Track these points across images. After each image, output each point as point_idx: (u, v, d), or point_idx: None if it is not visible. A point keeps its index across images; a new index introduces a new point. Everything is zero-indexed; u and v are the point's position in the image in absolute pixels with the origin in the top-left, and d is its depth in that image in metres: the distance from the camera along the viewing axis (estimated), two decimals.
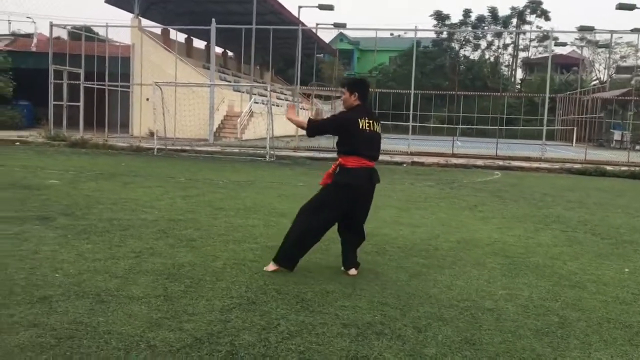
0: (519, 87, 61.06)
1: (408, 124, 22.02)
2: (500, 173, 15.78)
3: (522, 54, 61.14)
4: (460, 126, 33.52)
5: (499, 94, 43.38)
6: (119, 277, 4.54)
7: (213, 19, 22.86)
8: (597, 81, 57.88)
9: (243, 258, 5.33)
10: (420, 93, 32.35)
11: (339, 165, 5.04)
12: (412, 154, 19.85)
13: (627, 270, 5.51)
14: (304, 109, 38.14)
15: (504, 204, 9.79)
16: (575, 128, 36.63)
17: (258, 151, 18.78)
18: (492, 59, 62.06)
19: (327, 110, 46.68)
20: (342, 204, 5.00)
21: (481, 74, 59.03)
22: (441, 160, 18.17)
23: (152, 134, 24.97)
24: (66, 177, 10.99)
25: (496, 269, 5.33)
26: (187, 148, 19.21)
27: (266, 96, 34.68)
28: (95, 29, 31.19)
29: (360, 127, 4.96)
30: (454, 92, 39.18)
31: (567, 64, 65.65)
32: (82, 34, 25.12)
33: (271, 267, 4.93)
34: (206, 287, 4.37)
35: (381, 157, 17.80)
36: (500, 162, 17.95)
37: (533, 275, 5.17)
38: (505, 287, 4.73)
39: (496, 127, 28.80)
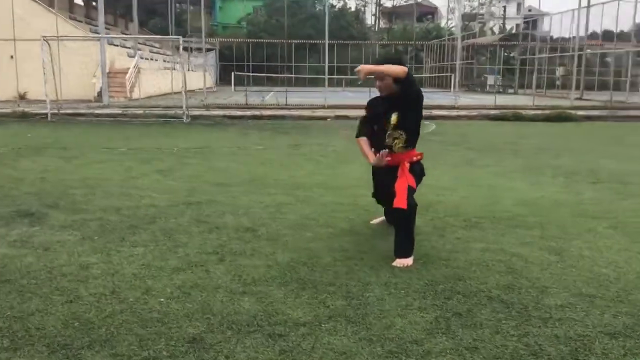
0: (380, 35, 62.06)
1: (285, 75, 21.16)
2: (433, 123, 15.62)
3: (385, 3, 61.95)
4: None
5: (376, 42, 43.65)
6: (246, 294, 3.44)
7: None
8: (456, 28, 60.53)
9: (344, 248, 4.37)
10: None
11: (416, 161, 4.32)
12: (329, 107, 19.17)
13: None
14: (179, 62, 35.72)
15: (492, 157, 9.48)
16: (453, 75, 37.96)
17: (168, 112, 17.03)
18: (355, 7, 62.45)
19: (198, 64, 44.41)
20: None
21: (347, 23, 59.10)
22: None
23: (22, 97, 21.87)
24: None
25: (614, 235, 4.86)
26: (84, 111, 16.95)
27: (141, 50, 31.90)
28: None
29: None
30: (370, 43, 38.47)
31: (426, 12, 68.12)
32: None
33: (408, 261, 4.03)
34: (397, 295, 3.43)
35: (303, 112, 16.98)
36: (425, 112, 17.82)
37: None
38: None
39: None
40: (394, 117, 4.18)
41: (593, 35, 31.59)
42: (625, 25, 30.79)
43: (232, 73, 34.97)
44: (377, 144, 4.33)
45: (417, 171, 4.30)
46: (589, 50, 28.71)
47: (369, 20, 65.72)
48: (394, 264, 4.00)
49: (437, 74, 44.33)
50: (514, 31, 53.33)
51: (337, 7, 59.96)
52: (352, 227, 5.00)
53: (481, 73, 42.78)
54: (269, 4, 56.60)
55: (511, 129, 14.59)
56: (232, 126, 14.78)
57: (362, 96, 24.73)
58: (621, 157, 9.63)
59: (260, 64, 41.75)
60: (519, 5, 72.79)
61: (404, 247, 4.07)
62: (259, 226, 5.00)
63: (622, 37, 30.22)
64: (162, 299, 3.36)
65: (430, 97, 21.39)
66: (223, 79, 44.34)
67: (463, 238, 4.71)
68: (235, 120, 16.42)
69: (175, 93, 21.35)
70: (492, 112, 18.09)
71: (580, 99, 25.14)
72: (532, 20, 48.39)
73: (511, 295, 3.46)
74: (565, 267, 4.01)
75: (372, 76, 4.20)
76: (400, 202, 4.01)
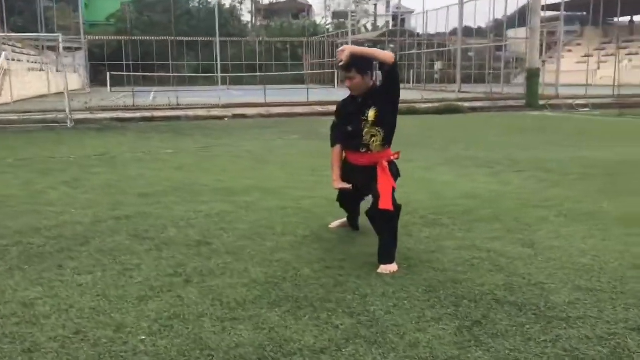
0: (258, 32, 61.59)
1: (164, 74, 20.47)
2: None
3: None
4: (269, 76, 32.33)
5: (254, 39, 43.14)
6: (238, 320, 3.01)
7: None
8: (331, 25, 61.51)
9: (319, 257, 4.05)
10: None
11: (392, 161, 4.11)
12: (223, 106, 18.54)
13: None
14: (46, 63, 33.06)
15: (409, 151, 9.43)
16: (335, 71, 38.41)
17: (48, 116, 15.58)
18: (229, 4, 61.50)
19: (67, 64, 41.55)
20: None
21: (224, 20, 57.96)
22: (262, 110, 17.30)
23: None
24: None
25: (569, 223, 4.92)
26: None
27: (5, 50, 29.10)
28: None
29: None
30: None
31: (300, 9, 68.68)
32: None
33: (394, 267, 3.78)
34: (404, 307, 3.14)
35: (198, 112, 16.30)
36: (320, 108, 17.80)
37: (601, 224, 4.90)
38: (623, 244, 4.35)
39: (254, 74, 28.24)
40: (371, 114, 3.92)
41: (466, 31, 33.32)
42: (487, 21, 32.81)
43: (108, 73, 33.04)
44: (352, 145, 4.06)
45: (394, 172, 4.06)
46: (465, 45, 30.23)
47: (246, 17, 65.01)
48: (380, 271, 3.74)
49: (318, 71, 44.79)
50: (385, 28, 55.17)
51: (212, 3, 58.55)
52: (313, 233, 4.68)
53: None
54: (138, 1, 54.21)
55: (411, 122, 14.86)
56: (125, 129, 13.80)
57: (251, 94, 24.46)
58: (527, 146, 10.08)
59: (135, 62, 39.74)
60: (388, 3, 75.65)
61: (387, 251, 3.81)
62: (210, 239, 4.53)
63: (485, 32, 32.16)
64: (142, 337, 2.85)
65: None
66: (94, 79, 41.69)
67: (432, 237, 4.55)
68: (125, 123, 15.38)
69: (52, 95, 19.65)
70: None
71: (460, 91, 26.37)
72: (403, 18, 50.31)
73: (517, 296, 3.32)
74: (546, 260, 3.95)
75: (346, 71, 3.93)
76: (385, 203, 3.75)
